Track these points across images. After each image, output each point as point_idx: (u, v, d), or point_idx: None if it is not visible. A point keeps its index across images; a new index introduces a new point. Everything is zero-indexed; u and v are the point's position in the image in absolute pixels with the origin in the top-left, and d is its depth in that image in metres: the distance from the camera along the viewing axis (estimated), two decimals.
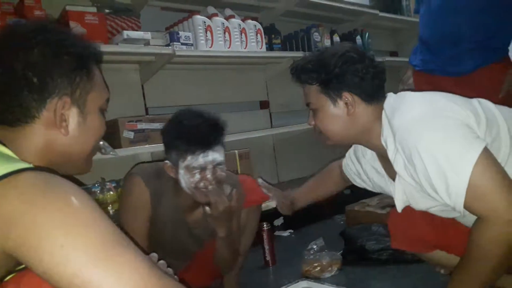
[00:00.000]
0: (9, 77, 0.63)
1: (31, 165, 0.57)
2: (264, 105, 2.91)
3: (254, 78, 2.80)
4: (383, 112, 1.07)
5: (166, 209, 1.30)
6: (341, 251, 1.72)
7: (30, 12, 1.62)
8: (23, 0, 1.63)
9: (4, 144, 0.61)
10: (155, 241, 1.30)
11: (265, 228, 1.84)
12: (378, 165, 1.23)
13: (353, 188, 2.93)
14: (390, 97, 1.09)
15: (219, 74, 2.56)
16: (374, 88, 1.08)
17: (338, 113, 1.09)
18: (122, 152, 1.72)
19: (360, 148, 1.32)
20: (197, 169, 1.20)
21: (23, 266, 0.58)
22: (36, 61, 0.64)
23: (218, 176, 1.23)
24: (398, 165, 1.03)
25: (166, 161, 1.26)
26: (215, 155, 1.21)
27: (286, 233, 2.33)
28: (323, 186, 1.56)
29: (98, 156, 1.73)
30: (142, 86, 2.22)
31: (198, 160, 1.19)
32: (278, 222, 2.54)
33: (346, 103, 1.08)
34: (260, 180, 1.48)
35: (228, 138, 2.24)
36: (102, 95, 0.74)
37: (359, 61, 1.07)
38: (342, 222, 2.34)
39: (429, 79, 1.91)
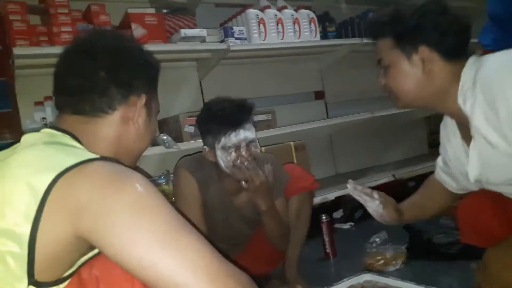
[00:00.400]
0: (99, 75, 0.71)
1: (98, 156, 0.62)
2: (319, 95, 2.86)
3: (309, 69, 2.76)
4: (463, 72, 0.94)
5: (214, 194, 1.38)
6: (406, 245, 1.65)
7: (96, 17, 1.73)
8: (90, 7, 1.74)
9: (73, 136, 0.67)
10: (209, 227, 1.36)
11: (324, 220, 1.82)
12: (457, 135, 1.07)
13: (418, 179, 2.83)
14: (472, 58, 0.96)
15: (273, 66, 2.56)
16: (456, 45, 0.95)
17: (413, 70, 0.96)
18: (184, 146, 1.80)
19: (443, 127, 1.15)
20: (232, 148, 1.28)
21: (96, 250, 0.62)
22: (127, 63, 0.73)
23: (253, 153, 1.31)
24: (476, 118, 0.89)
25: (205, 147, 1.35)
26: (247, 133, 1.29)
27: (346, 226, 2.29)
28: (427, 201, 1.30)
29: (162, 150, 1.86)
30: (200, 82, 2.29)
31: (231, 139, 1.28)
32: (338, 214, 2.50)
33: (422, 59, 0.95)
34: (350, 185, 1.26)
35: (283, 130, 2.28)
36: (158, 103, 0.82)
37: (441, 14, 0.95)
38: None
39: None
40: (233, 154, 1.29)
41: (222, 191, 1.39)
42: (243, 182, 1.30)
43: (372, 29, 1.05)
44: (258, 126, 2.22)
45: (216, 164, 1.34)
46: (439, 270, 1.49)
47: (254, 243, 1.48)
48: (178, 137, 1.80)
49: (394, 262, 1.52)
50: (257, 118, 2.23)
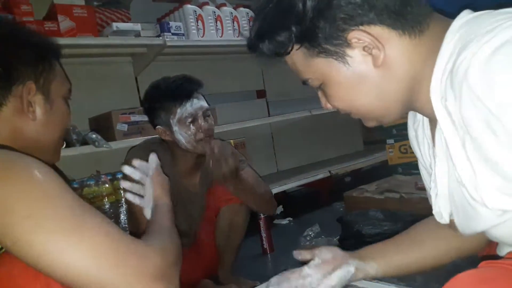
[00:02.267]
0: None
1: None
2: (260, 94, 2.90)
3: (249, 67, 2.77)
4: (444, 40, 0.58)
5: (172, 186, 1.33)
6: (338, 237, 1.72)
7: (17, 7, 1.61)
8: None
9: None
10: None
11: (261, 216, 1.84)
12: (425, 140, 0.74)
13: (353, 174, 2.97)
14: (460, 19, 0.59)
15: (212, 64, 2.54)
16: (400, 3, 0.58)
17: (357, 71, 0.61)
18: (116, 144, 1.72)
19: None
20: (189, 118, 1.26)
21: None
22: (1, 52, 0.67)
23: (211, 125, 1.30)
24: (442, 122, 0.58)
25: (158, 127, 1.30)
26: (201, 102, 1.29)
27: (285, 221, 2.33)
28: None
29: (92, 149, 1.77)
30: (136, 79, 2.22)
31: (187, 109, 1.26)
32: (278, 210, 2.54)
33: (363, 48, 0.60)
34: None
35: (223, 128, 2.27)
36: (64, 85, 0.76)
37: None
38: (341, 209, 2.33)
39: None
40: (192, 127, 1.26)
41: (174, 175, 1.35)
42: (208, 156, 1.25)
43: (260, 48, 0.65)
44: None
45: (168, 146, 1.31)
46: None
47: (198, 247, 1.46)
48: (109, 136, 1.73)
49: None
50: None
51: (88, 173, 1.78)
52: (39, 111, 0.70)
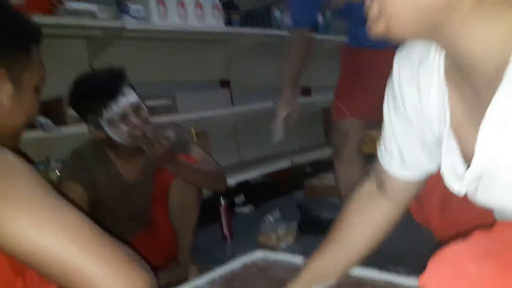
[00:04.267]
0: None
1: None
2: (224, 84, 2.87)
3: (214, 56, 2.75)
4: None
5: (105, 182, 1.32)
6: (298, 222, 1.74)
7: None
8: None
9: None
10: (108, 212, 1.31)
11: (222, 204, 1.84)
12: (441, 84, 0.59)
13: (315, 165, 3.02)
14: None
15: (175, 50, 2.49)
16: None
17: None
18: (68, 130, 1.66)
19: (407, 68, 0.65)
20: (119, 118, 1.21)
21: None
22: None
23: (144, 116, 1.26)
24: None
25: (90, 128, 1.26)
26: (129, 98, 1.23)
27: (246, 209, 2.34)
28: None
29: (42, 134, 1.69)
30: (91, 64, 2.13)
31: (114, 110, 1.20)
32: (239, 199, 2.54)
33: None
34: None
35: (185, 117, 2.23)
36: (39, 75, 0.72)
37: None
38: (302, 197, 2.37)
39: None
40: (123, 126, 1.22)
41: (113, 173, 1.33)
42: (146, 147, 1.23)
43: None
44: (157, 112, 2.16)
45: (102, 144, 1.27)
46: None
47: (149, 235, 1.44)
48: (60, 120, 1.66)
49: (286, 238, 1.59)
50: (156, 103, 2.16)
51: (37, 159, 1.70)
52: (4, 98, 0.65)
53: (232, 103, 2.86)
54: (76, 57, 2.06)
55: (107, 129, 1.22)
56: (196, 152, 1.45)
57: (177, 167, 1.28)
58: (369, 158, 2.40)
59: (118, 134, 1.23)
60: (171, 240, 1.41)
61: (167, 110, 2.17)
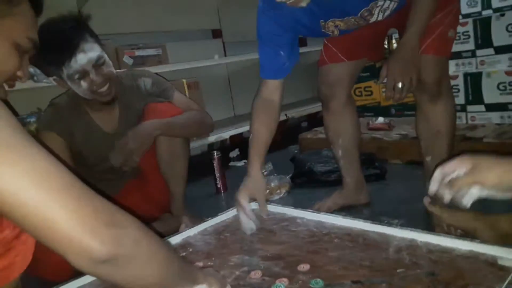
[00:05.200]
0: None
1: None
2: (216, 34, 2.76)
3: (205, 4, 2.62)
4: None
5: (80, 133, 1.29)
6: (290, 175, 1.73)
7: None
8: None
9: None
10: (87, 167, 1.29)
11: (215, 157, 1.82)
12: None
13: (310, 120, 2.99)
14: None
15: None
16: None
17: None
18: None
19: None
20: (77, 74, 1.16)
21: None
22: None
23: (106, 74, 1.21)
24: None
25: (54, 77, 1.22)
26: (89, 55, 1.16)
27: (240, 163, 2.33)
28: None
29: (33, 84, 1.62)
30: (79, 12, 2.02)
31: (73, 67, 1.15)
32: (234, 153, 2.53)
33: None
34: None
35: (175, 67, 2.16)
36: (22, 29, 0.68)
37: None
38: (296, 151, 2.35)
39: None
40: (83, 82, 1.17)
41: (90, 125, 1.31)
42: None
43: None
44: (147, 62, 2.09)
45: (75, 94, 1.24)
46: (318, 195, 1.59)
47: (145, 172, 1.43)
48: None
49: (278, 191, 1.58)
50: (146, 52, 2.09)
51: (29, 110, 1.65)
52: None
53: (225, 53, 2.77)
54: (62, 4, 1.95)
55: (68, 82, 1.19)
56: (177, 98, 1.40)
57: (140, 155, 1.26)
58: (362, 110, 2.36)
59: (79, 89, 1.20)
60: (163, 190, 1.40)
61: (157, 60, 2.10)
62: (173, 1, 2.41)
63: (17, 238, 0.61)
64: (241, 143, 2.64)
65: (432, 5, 1.05)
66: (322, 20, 1.11)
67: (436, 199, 1.18)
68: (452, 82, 1.94)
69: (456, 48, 1.89)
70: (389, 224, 0.91)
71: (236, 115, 2.89)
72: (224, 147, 2.70)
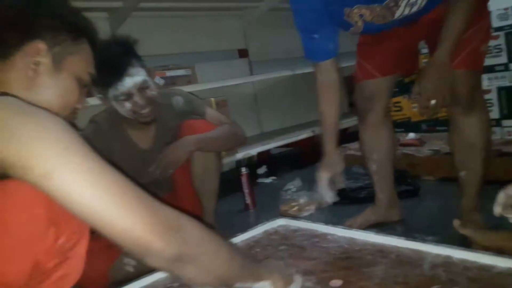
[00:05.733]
0: (1, 16, 0.69)
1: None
2: (243, 53, 2.82)
3: (231, 25, 2.69)
4: None
5: (117, 149, 1.34)
6: None
7: None
8: None
9: None
10: None
11: (243, 173, 1.83)
12: None
13: (339, 135, 2.97)
14: None
15: (192, 20, 2.46)
16: None
17: None
18: (92, 101, 1.67)
19: None
20: (123, 97, 1.23)
21: None
22: (29, 9, 0.70)
23: (149, 97, 1.27)
24: None
25: (98, 95, 1.29)
26: (135, 79, 1.23)
27: (268, 180, 2.33)
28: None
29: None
30: (128, 37, 2.13)
31: (119, 90, 1.22)
32: (261, 170, 2.54)
33: None
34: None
35: (204, 86, 2.22)
36: (83, 65, 0.76)
37: None
38: None
39: None
40: (127, 104, 1.25)
41: (127, 141, 1.36)
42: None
43: None
44: (177, 82, 2.16)
45: (115, 112, 1.30)
46: (348, 212, 1.57)
47: (178, 187, 1.47)
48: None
49: (307, 207, 1.58)
50: (175, 73, 2.16)
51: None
52: (43, 74, 0.69)
53: (251, 72, 2.82)
54: (98, 29, 2.06)
55: (112, 102, 1.26)
56: (209, 113, 1.46)
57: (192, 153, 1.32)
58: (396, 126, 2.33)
59: (122, 109, 1.27)
60: (195, 204, 1.43)
61: (187, 80, 2.16)
62: (200, 24, 2.50)
63: (72, 250, 0.65)
64: (268, 159, 2.65)
65: (464, 21, 1.04)
66: (348, 7, 1.10)
67: (466, 221, 1.17)
68: (486, 96, 1.90)
69: (488, 62, 1.86)
70: (423, 241, 0.89)
71: (264, 132, 2.91)
72: (251, 164, 2.72)
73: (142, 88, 1.25)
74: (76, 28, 0.74)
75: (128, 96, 1.24)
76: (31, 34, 0.69)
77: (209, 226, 1.45)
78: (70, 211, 0.56)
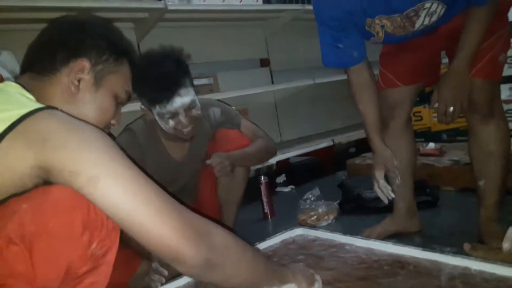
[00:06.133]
0: (51, 38, 0.76)
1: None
2: (264, 63, 2.86)
3: (253, 35, 2.73)
4: None
5: (151, 159, 1.35)
6: (338, 201, 1.73)
7: None
8: None
9: (27, 90, 0.70)
10: None
11: (262, 181, 1.85)
12: None
13: (358, 145, 2.96)
14: None
15: (215, 31, 2.51)
16: None
17: None
18: (124, 107, 1.73)
19: None
20: (168, 115, 1.24)
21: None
22: (78, 30, 0.76)
23: (193, 117, 1.27)
24: None
25: (142, 106, 1.30)
26: (184, 99, 1.23)
27: (287, 189, 2.35)
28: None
29: None
30: (138, 45, 2.20)
31: (167, 108, 1.23)
32: (280, 179, 2.56)
33: None
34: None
35: (226, 95, 2.26)
36: (121, 84, 0.80)
37: None
38: (343, 177, 2.34)
39: None
40: (171, 121, 1.25)
41: (161, 152, 1.37)
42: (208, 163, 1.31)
43: None
44: (200, 91, 2.20)
45: (152, 122, 1.32)
46: (368, 222, 1.57)
47: (202, 198, 1.49)
48: None
49: (326, 217, 1.58)
50: (199, 82, 2.21)
51: None
52: (84, 89, 0.74)
53: (272, 81, 2.85)
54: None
55: (156, 117, 1.27)
56: (245, 125, 1.47)
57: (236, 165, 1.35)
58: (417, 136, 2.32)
59: (165, 126, 1.27)
60: (216, 214, 1.45)
61: (209, 89, 2.21)
62: (223, 33, 2.55)
63: (103, 258, 0.67)
64: (287, 168, 2.66)
65: (482, 30, 1.05)
66: (369, 18, 1.12)
67: (485, 232, 1.15)
68: (507, 107, 1.87)
69: (510, 71, 1.83)
70: (441, 252, 0.90)
71: (283, 140, 2.93)
72: (270, 172, 2.74)
73: (188, 108, 1.25)
74: (118, 49, 0.79)
75: (174, 115, 1.24)
76: (77, 52, 0.74)
77: (233, 232, 1.50)
78: (110, 217, 0.60)
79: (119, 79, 0.80)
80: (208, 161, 1.32)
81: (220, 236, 0.65)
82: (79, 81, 0.74)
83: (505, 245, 0.72)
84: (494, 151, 1.18)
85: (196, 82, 2.20)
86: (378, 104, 1.25)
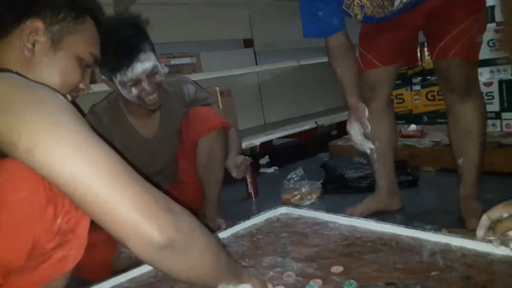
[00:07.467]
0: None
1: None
2: (248, 43, 2.83)
3: (237, 14, 2.69)
4: None
5: (118, 138, 1.32)
6: (321, 181, 1.74)
7: None
8: None
9: None
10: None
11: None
12: None
13: (340, 128, 2.99)
14: None
15: (198, 9, 2.45)
16: None
17: None
18: (97, 87, 1.71)
19: None
20: (131, 83, 1.20)
21: None
22: None
23: (157, 83, 1.24)
24: None
25: (103, 76, 1.26)
26: (145, 65, 1.19)
27: (271, 170, 2.36)
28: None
29: None
30: (138, 16, 2.13)
31: (127, 75, 1.18)
32: (264, 161, 2.56)
33: None
34: None
35: (209, 75, 2.23)
36: (85, 45, 0.73)
37: None
38: (326, 158, 2.36)
39: None
40: (134, 89, 1.21)
41: (128, 130, 1.34)
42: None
43: None
44: (182, 70, 2.17)
45: (118, 100, 1.29)
46: (350, 201, 1.60)
47: (182, 178, 1.48)
48: (90, 78, 1.69)
49: (309, 196, 1.60)
50: (181, 61, 2.17)
51: None
52: (39, 52, 0.68)
53: (256, 62, 2.82)
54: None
55: (118, 86, 1.23)
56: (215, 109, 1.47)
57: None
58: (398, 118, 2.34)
59: (128, 95, 1.24)
60: (198, 194, 1.44)
61: (192, 68, 2.17)
62: (206, 12, 2.49)
63: (72, 232, 0.64)
64: (271, 150, 2.67)
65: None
66: None
67: (465, 209, 1.18)
68: (487, 89, 1.90)
69: (490, 54, 1.86)
70: (423, 229, 0.92)
71: (266, 122, 2.93)
72: (254, 154, 2.74)
73: (151, 74, 1.22)
74: (77, 7, 0.72)
75: (136, 82, 1.21)
76: (29, 12, 0.67)
77: (211, 215, 1.48)
78: (57, 187, 0.52)
79: (81, 39, 0.73)
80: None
81: (187, 218, 0.58)
82: (33, 44, 0.67)
83: (479, 233, 0.74)
84: (472, 129, 1.21)
85: (178, 61, 2.17)
86: (356, 70, 1.25)
